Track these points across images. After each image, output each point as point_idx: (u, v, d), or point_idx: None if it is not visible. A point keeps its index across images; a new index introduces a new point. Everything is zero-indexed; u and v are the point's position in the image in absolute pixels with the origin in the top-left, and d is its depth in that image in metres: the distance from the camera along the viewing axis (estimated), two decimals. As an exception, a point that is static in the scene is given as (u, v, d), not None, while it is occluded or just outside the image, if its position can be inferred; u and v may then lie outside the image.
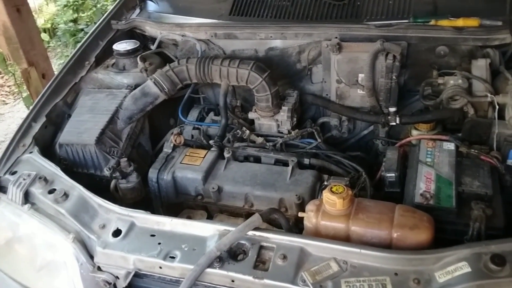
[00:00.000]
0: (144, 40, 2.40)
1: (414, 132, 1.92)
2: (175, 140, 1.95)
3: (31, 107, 2.02)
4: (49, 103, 2.04)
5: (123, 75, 2.18)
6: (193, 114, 2.28)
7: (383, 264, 1.28)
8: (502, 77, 1.83)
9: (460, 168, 1.57)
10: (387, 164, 1.68)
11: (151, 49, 2.29)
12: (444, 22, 1.97)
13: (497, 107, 1.70)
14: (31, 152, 1.82)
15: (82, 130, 1.92)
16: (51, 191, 1.63)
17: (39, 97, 2.05)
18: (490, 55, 1.88)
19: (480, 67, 1.83)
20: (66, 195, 1.61)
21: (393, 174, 1.65)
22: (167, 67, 2.06)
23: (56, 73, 2.20)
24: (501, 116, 1.69)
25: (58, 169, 1.72)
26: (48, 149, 1.94)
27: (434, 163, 1.60)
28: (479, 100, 1.78)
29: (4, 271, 1.64)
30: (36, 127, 1.94)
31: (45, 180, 1.66)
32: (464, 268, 1.21)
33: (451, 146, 1.67)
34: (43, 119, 1.97)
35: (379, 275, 1.26)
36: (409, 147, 1.80)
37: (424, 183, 1.53)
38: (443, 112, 1.85)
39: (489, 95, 1.74)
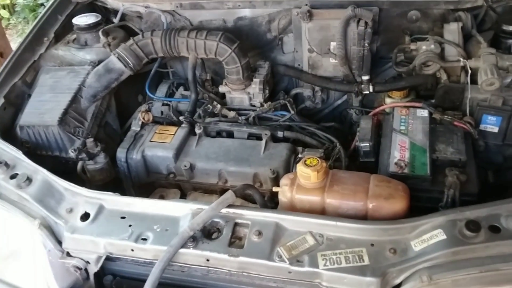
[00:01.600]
0: (106, 13, 2.28)
1: (388, 100, 1.90)
2: (143, 118, 1.88)
3: (-13, 88, 1.90)
4: (7, 83, 1.92)
5: (85, 51, 2.08)
6: (162, 89, 2.21)
7: (359, 236, 1.27)
8: (474, 40, 1.81)
9: (434, 135, 1.56)
10: (361, 134, 1.66)
11: (113, 23, 2.17)
12: (415, -14, 1.93)
13: (469, 71, 1.69)
14: (-11, 136, 1.72)
15: (43, 110, 1.83)
16: (13, 176, 1.55)
17: (-4, 77, 1.93)
18: (462, 19, 1.86)
19: (452, 31, 1.80)
20: (29, 180, 1.53)
21: (367, 144, 1.63)
22: (131, 41, 1.96)
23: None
24: (474, 81, 1.68)
25: (20, 152, 1.63)
26: (8, 132, 1.84)
27: (408, 131, 1.59)
28: (451, 65, 1.76)
29: (-31, 261, 1.57)
30: (-5, 108, 1.83)
31: (6, 164, 1.57)
32: (440, 235, 1.21)
33: (424, 113, 1.66)
34: (1, 100, 1.87)
35: (356, 247, 1.24)
36: (383, 115, 1.79)
37: (398, 152, 1.51)
38: (416, 78, 1.83)
39: (461, 59, 1.72)
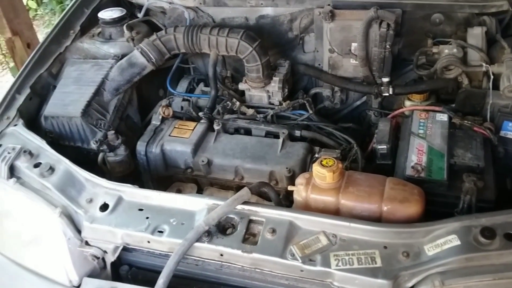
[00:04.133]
0: (131, 8, 2.32)
1: (407, 103, 1.89)
2: (164, 112, 1.91)
3: (14, 78, 1.96)
4: (33, 74, 1.97)
5: (109, 45, 2.12)
6: (183, 85, 2.23)
7: (373, 238, 1.27)
8: (498, 45, 1.79)
9: (452, 140, 1.55)
10: (379, 136, 1.66)
11: (138, 17, 2.21)
12: (440, -12, 1.91)
13: (492, 77, 1.67)
14: (15, 125, 1.77)
15: (67, 102, 1.87)
16: (36, 165, 1.60)
17: (23, 67, 1.98)
18: (487, 23, 1.84)
19: (475, 35, 1.78)
20: (52, 169, 1.58)
21: (385, 146, 1.62)
22: (154, 36, 1.99)
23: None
24: (496, 86, 1.66)
25: (44, 142, 1.68)
26: (33, 121, 1.89)
27: (426, 135, 1.58)
28: (474, 70, 1.75)
29: (-8, 246, 1.63)
30: (21, 99, 1.88)
31: (30, 153, 1.62)
32: (454, 241, 1.21)
33: (444, 117, 1.65)
34: (27, 91, 1.91)
35: (368, 248, 1.25)
36: (402, 118, 1.78)
37: (415, 155, 1.51)
38: (437, 82, 1.81)
39: (484, 64, 1.70)
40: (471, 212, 1.35)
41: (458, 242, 1.20)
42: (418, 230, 1.26)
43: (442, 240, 1.22)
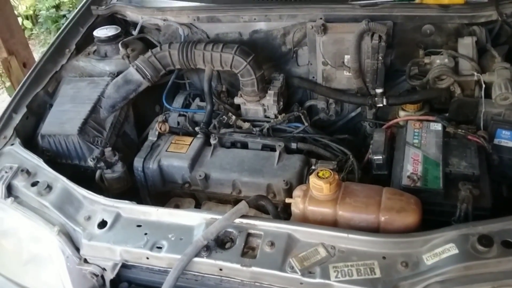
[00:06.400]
0: (126, 26, 2.34)
1: (401, 113, 1.90)
2: (160, 128, 1.92)
3: (11, 98, 1.97)
4: (30, 93, 1.98)
5: (105, 62, 2.13)
6: (179, 100, 2.24)
7: (371, 248, 1.27)
8: (489, 55, 1.81)
9: (447, 149, 1.56)
10: (374, 147, 1.67)
11: (132, 35, 2.23)
12: (429, 0, 1.94)
13: (483, 85, 1.69)
14: (12, 144, 1.78)
15: (64, 120, 1.88)
16: (34, 184, 1.60)
17: (19, 87, 1.99)
18: (477, 33, 1.87)
19: (466, 45, 1.81)
20: (49, 187, 1.58)
21: (380, 157, 1.63)
22: (149, 53, 2.01)
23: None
24: (488, 95, 1.68)
25: (41, 161, 1.69)
26: (30, 140, 1.90)
27: (421, 144, 1.59)
28: (465, 79, 1.77)
29: (-10, 265, 1.62)
30: (17, 118, 1.89)
31: (28, 172, 1.63)
32: (452, 249, 1.21)
33: (438, 126, 1.66)
34: (24, 110, 1.92)
35: (367, 259, 1.25)
36: (397, 128, 1.79)
37: (411, 165, 1.52)
38: (430, 92, 1.83)
39: (475, 73, 1.72)
40: (468, 220, 1.36)
41: (456, 251, 1.20)
42: (416, 239, 1.27)
43: (440, 249, 1.23)
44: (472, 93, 1.77)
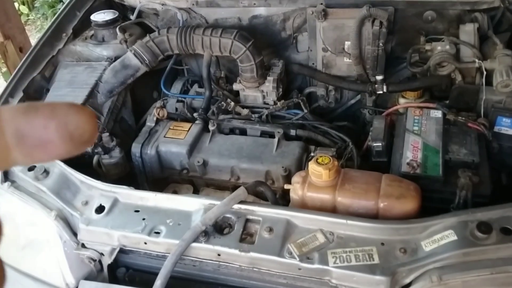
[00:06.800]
0: (123, 10, 2.31)
1: (402, 100, 1.89)
2: (158, 114, 1.90)
3: (7, 82, 1.95)
4: (26, 78, 1.95)
5: (102, 47, 2.10)
6: (177, 86, 2.23)
7: (370, 234, 1.27)
8: (490, 42, 1.80)
9: (447, 136, 1.56)
10: (374, 134, 1.66)
11: (130, 19, 2.20)
12: (431, -14, 1.92)
13: (484, 72, 1.68)
14: (9, 129, 1.76)
15: (61, 105, 1.86)
16: (31, 168, 1.58)
17: (15, 71, 1.96)
18: (478, 20, 1.85)
19: (468, 32, 1.79)
20: (46, 172, 1.57)
21: (380, 144, 1.63)
22: (147, 38, 1.99)
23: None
24: (489, 82, 1.67)
25: (38, 145, 1.67)
26: (27, 125, 1.88)
27: (421, 132, 1.58)
28: (466, 66, 1.75)
29: (-13, 250, 1.61)
30: (14, 102, 1.85)
31: (24, 157, 1.61)
32: (450, 236, 1.21)
33: (438, 113, 1.65)
34: (20, 94, 1.89)
35: (366, 245, 1.25)
36: (396, 115, 1.79)
37: (411, 152, 1.51)
38: (431, 79, 1.82)
39: (477, 60, 1.71)
40: (467, 207, 1.36)
41: (455, 237, 1.20)
42: (415, 226, 1.26)
43: (439, 236, 1.22)
44: (473, 80, 1.76)
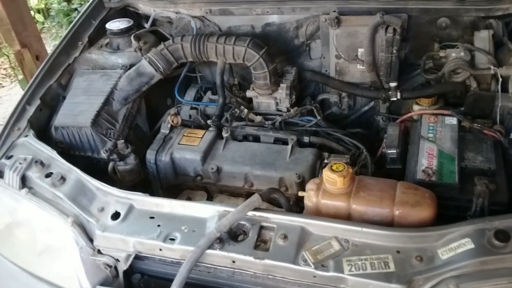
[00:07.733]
0: (138, 19, 2.34)
1: (416, 107, 1.88)
2: (172, 121, 1.92)
3: (24, 90, 1.98)
4: (43, 85, 1.99)
5: (117, 55, 2.14)
6: (190, 93, 2.24)
7: (385, 242, 1.26)
8: (506, 48, 1.79)
9: (462, 143, 1.54)
10: (388, 141, 1.66)
11: (145, 28, 2.23)
12: (445, -8, 1.91)
13: (500, 79, 1.67)
14: (26, 136, 1.79)
15: (77, 112, 1.89)
16: (48, 175, 1.61)
17: (33, 79, 2.00)
18: (493, 26, 1.84)
19: (482, 38, 1.78)
20: (63, 179, 1.59)
21: (394, 151, 1.62)
22: (161, 46, 2.01)
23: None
24: (505, 89, 1.66)
25: (55, 152, 1.70)
26: (43, 132, 1.91)
27: (436, 139, 1.57)
28: (482, 73, 1.74)
29: (5, 255, 1.64)
30: (31, 110, 1.90)
31: (42, 164, 1.64)
32: (467, 244, 1.20)
33: (453, 120, 1.64)
34: (37, 102, 1.93)
35: (381, 253, 1.24)
36: (411, 122, 1.78)
37: (426, 159, 1.50)
38: (445, 86, 1.81)
39: (492, 67, 1.70)
40: (484, 215, 1.34)
41: (472, 246, 1.19)
42: (431, 234, 1.26)
43: (455, 244, 1.21)
44: (488, 87, 1.75)
